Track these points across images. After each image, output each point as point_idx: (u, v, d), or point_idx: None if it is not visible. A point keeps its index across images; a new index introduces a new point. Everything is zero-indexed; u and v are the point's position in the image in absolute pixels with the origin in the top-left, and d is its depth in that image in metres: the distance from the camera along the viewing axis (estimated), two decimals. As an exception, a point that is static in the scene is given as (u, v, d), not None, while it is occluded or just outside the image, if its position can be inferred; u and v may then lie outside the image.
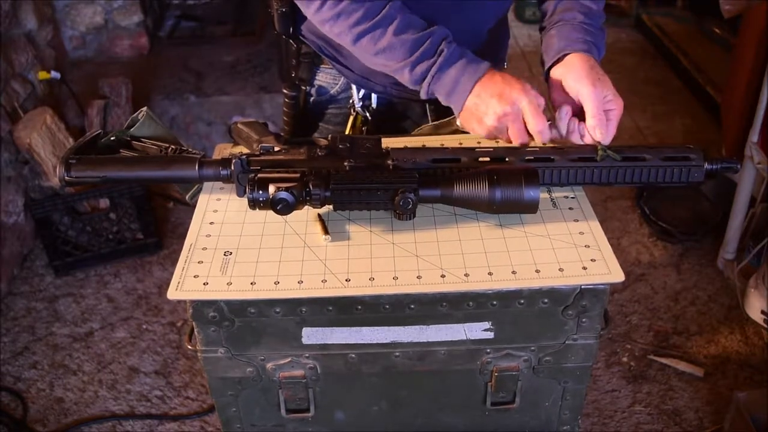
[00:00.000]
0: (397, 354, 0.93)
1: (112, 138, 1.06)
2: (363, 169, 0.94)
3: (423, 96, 1.04)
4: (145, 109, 1.08)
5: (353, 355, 0.93)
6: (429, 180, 0.93)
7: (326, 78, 1.25)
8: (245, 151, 1.05)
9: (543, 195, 1.01)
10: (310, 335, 0.91)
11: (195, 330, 0.91)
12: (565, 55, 1.05)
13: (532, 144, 1.01)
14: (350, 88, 1.24)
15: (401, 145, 1.06)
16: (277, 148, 0.99)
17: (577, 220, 0.97)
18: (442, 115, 1.20)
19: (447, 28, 1.03)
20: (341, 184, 0.91)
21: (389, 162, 0.96)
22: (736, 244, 2.22)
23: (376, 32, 1.01)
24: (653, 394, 1.92)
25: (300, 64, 1.24)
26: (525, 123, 0.99)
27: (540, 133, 0.98)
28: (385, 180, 0.91)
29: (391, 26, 1.00)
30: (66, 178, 0.96)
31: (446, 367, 0.95)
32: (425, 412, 1.01)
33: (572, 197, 1.01)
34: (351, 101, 1.25)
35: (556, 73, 1.06)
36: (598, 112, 0.99)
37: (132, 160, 1.02)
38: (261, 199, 0.91)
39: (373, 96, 1.24)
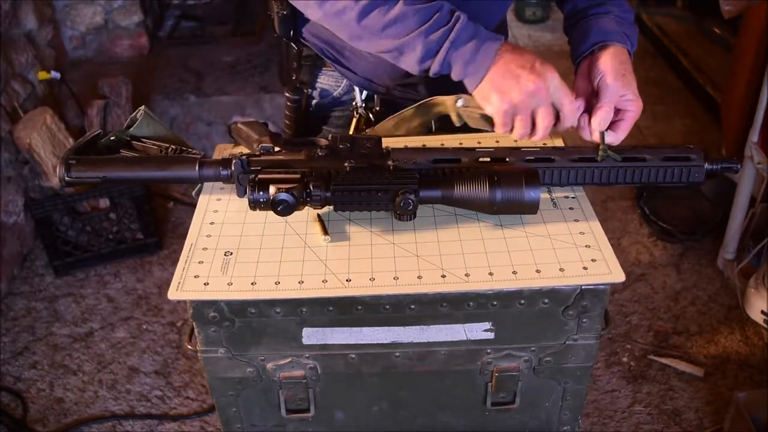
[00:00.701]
0: (398, 354, 0.93)
1: (112, 138, 1.06)
2: (363, 170, 0.94)
3: (435, 69, 0.96)
4: (143, 107, 1.08)
5: (353, 356, 0.93)
6: (429, 181, 0.93)
7: (328, 81, 1.25)
8: (245, 151, 1.05)
9: (543, 195, 1.01)
10: (311, 335, 0.91)
11: (195, 330, 0.91)
12: (603, 47, 1.01)
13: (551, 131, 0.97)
14: (353, 90, 1.24)
15: (401, 145, 1.06)
16: (277, 149, 0.99)
17: (577, 220, 0.97)
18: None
19: None
20: (342, 185, 0.91)
21: (390, 163, 0.96)
22: (736, 244, 2.22)
23: (385, 4, 0.94)
24: (653, 394, 1.92)
25: (301, 67, 1.24)
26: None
27: (573, 112, 0.93)
28: (385, 181, 0.91)
29: None
30: (66, 178, 0.96)
31: (446, 368, 0.95)
32: (425, 412, 1.01)
33: (572, 197, 1.01)
34: (354, 103, 1.25)
35: (586, 62, 1.02)
36: (607, 104, 0.96)
37: (132, 161, 1.02)
38: (261, 200, 0.91)
39: (376, 98, 1.24)
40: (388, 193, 0.91)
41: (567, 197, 1.01)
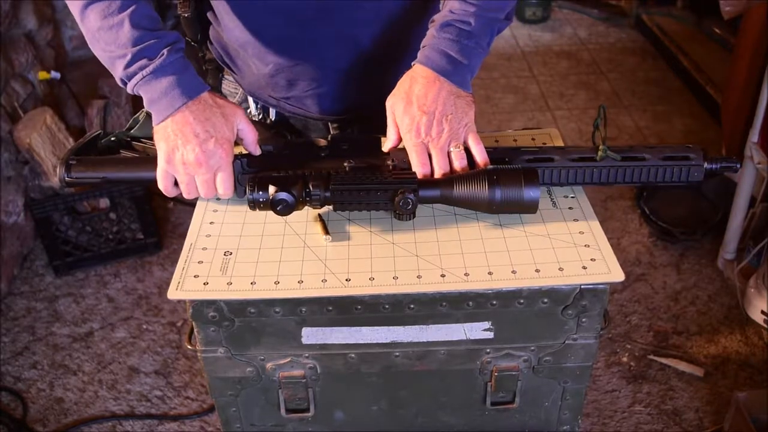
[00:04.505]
0: (397, 354, 0.93)
1: (112, 139, 1.06)
2: (363, 170, 0.94)
3: (129, 91, 0.96)
4: (144, 109, 1.08)
5: (353, 355, 0.93)
6: (429, 180, 0.93)
7: (228, 87, 1.23)
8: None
9: (543, 195, 1.01)
10: (310, 335, 0.91)
11: (195, 330, 0.91)
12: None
13: None
14: (248, 99, 1.22)
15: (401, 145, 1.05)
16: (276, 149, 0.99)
17: (576, 220, 0.97)
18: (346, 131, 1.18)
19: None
20: (341, 185, 0.91)
21: (389, 162, 0.96)
22: (736, 244, 2.22)
23: (113, 5, 0.92)
24: (653, 394, 1.92)
25: (207, 71, 1.23)
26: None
27: (225, 192, 0.94)
28: (385, 180, 0.91)
29: (129, 9, 0.92)
30: (66, 179, 0.96)
31: (446, 367, 0.95)
32: (425, 411, 1.01)
33: (572, 197, 1.01)
34: (248, 111, 1.21)
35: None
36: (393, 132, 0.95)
37: (132, 161, 1.02)
38: (261, 199, 0.91)
39: (271, 109, 1.21)
40: (388, 192, 0.91)
41: (566, 197, 1.01)
